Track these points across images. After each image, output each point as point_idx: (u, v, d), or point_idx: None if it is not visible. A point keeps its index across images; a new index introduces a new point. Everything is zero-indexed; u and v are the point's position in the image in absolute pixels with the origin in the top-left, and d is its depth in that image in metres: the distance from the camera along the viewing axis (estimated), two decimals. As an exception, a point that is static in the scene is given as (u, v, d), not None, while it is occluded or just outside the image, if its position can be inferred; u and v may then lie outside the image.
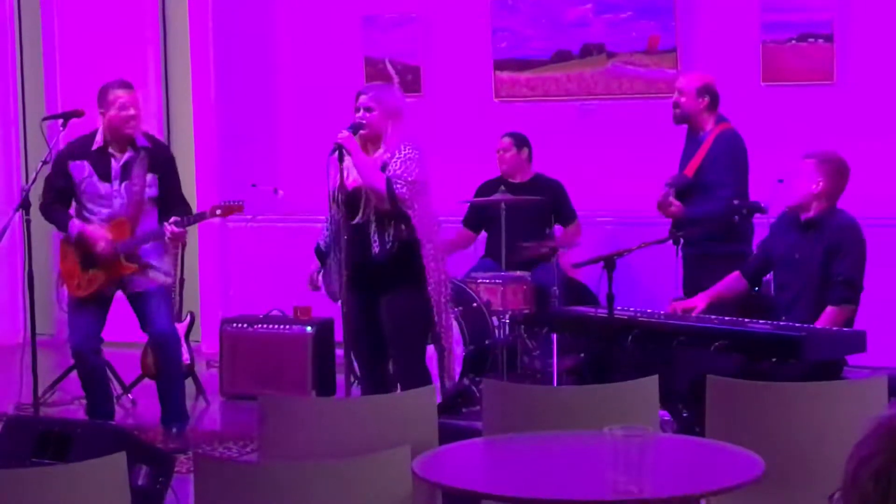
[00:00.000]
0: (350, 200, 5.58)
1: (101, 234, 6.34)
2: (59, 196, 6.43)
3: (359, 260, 5.54)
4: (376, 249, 5.55)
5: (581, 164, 8.06)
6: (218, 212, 6.59)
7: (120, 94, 6.34)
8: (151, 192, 6.39)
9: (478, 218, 7.78)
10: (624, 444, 3.12)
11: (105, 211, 6.35)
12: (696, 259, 6.36)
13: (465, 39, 8.48)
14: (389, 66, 8.62)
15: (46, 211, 6.49)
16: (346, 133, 5.56)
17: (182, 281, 7.62)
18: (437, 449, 3.74)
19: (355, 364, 5.84)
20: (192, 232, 8.51)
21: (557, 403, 4.08)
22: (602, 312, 5.55)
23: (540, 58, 8.29)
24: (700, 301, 5.67)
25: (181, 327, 7.53)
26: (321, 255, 5.86)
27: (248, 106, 9.01)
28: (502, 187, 7.44)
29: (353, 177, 5.58)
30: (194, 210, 6.88)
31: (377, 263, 5.55)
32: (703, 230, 6.23)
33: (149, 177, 6.37)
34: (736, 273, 5.71)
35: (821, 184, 5.42)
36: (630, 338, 5.43)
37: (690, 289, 6.19)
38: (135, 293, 6.48)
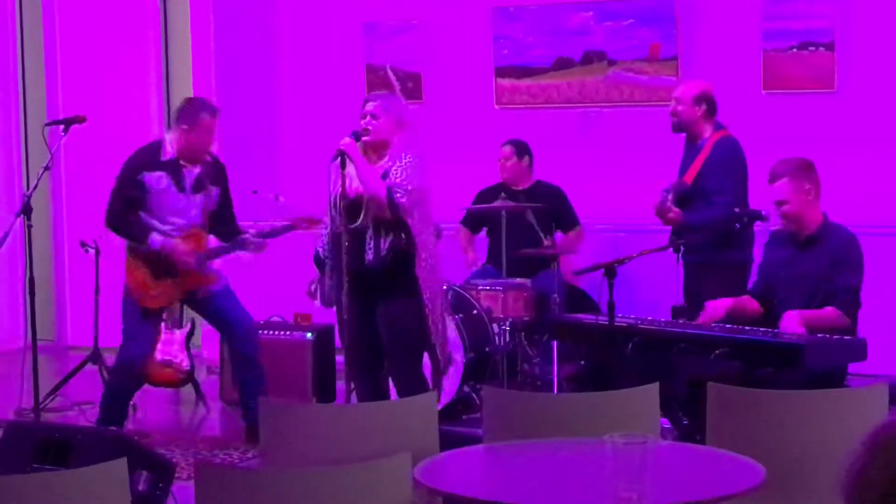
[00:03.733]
0: (351, 208, 5.59)
1: (184, 248, 6.30)
2: (130, 207, 6.33)
3: (356, 267, 5.55)
4: (370, 256, 5.56)
5: (582, 172, 8.07)
6: (304, 225, 6.51)
7: (210, 120, 6.31)
8: (213, 204, 6.43)
9: (477, 222, 7.79)
10: (624, 452, 3.12)
11: (180, 221, 6.30)
12: (697, 267, 6.36)
13: (467, 47, 8.49)
14: (391, 74, 8.64)
15: (120, 223, 6.37)
16: (348, 140, 5.58)
17: (183, 287, 7.62)
18: (438, 456, 3.75)
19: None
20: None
21: (558, 411, 4.08)
22: (603, 320, 5.55)
23: (541, 65, 8.30)
24: (717, 310, 5.58)
25: (182, 334, 7.54)
26: (320, 262, 5.86)
27: (250, 112, 9.02)
28: (503, 194, 7.44)
29: (355, 184, 5.58)
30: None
31: (372, 271, 5.56)
32: (703, 238, 6.23)
33: (213, 189, 6.40)
34: (746, 297, 5.67)
35: (810, 190, 5.45)
36: (630, 345, 5.43)
37: (691, 297, 6.19)
38: (206, 297, 6.49)
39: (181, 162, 6.32)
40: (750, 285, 5.85)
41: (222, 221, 6.48)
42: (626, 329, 5.52)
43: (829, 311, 5.30)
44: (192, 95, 9.09)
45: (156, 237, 6.28)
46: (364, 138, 5.61)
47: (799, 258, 5.47)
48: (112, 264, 8.31)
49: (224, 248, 6.46)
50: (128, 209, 6.33)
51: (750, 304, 5.59)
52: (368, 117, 5.62)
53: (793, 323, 5.24)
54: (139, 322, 6.42)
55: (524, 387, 6.90)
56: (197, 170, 6.34)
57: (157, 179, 6.29)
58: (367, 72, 8.68)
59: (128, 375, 6.51)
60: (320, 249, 5.87)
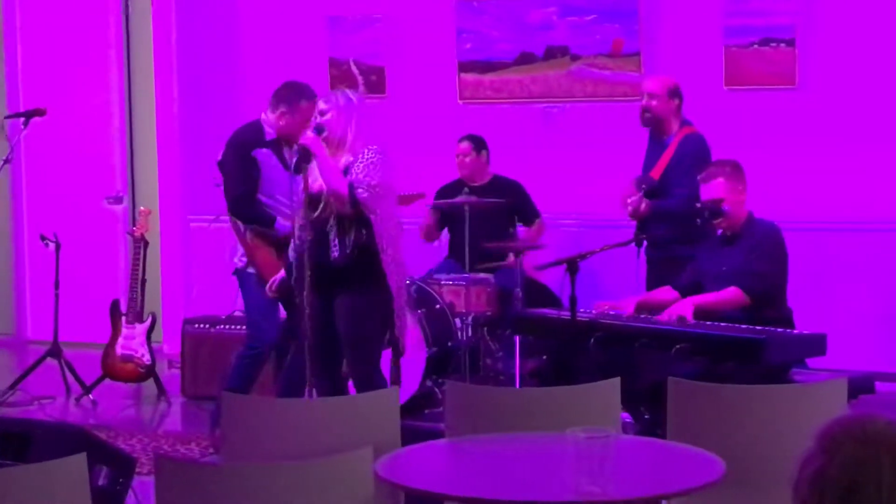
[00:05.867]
0: (312, 203, 5.56)
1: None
2: (253, 189, 6.17)
3: (319, 262, 5.53)
4: (335, 253, 5.54)
5: (544, 167, 8.08)
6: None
7: (308, 105, 6.17)
8: None
9: (440, 221, 7.78)
10: (586, 446, 3.13)
11: (287, 201, 6.00)
12: (660, 261, 6.39)
13: (430, 41, 8.48)
14: (354, 67, 8.62)
15: (249, 208, 6.20)
16: (310, 135, 5.56)
17: (144, 281, 7.59)
18: (400, 450, 3.75)
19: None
20: (154, 231, 8.49)
21: (520, 405, 4.09)
22: (565, 315, 5.57)
23: (504, 60, 8.30)
24: (628, 304, 5.73)
25: (143, 328, 7.51)
26: (291, 267, 5.81)
27: (212, 105, 8.98)
28: (466, 189, 7.44)
29: (318, 180, 5.56)
30: None
31: (336, 267, 5.55)
32: (665, 232, 6.27)
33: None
34: (668, 287, 5.79)
35: (742, 189, 5.64)
36: (592, 340, 5.45)
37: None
38: None
39: (282, 143, 6.24)
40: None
41: None
42: (588, 324, 5.54)
43: (727, 290, 5.44)
44: (150, 91, 9.07)
45: (282, 222, 6.13)
46: (324, 135, 5.58)
47: (722, 253, 5.63)
48: (72, 258, 8.28)
49: None
50: (251, 192, 6.18)
51: (668, 295, 5.69)
52: (319, 115, 5.62)
53: (681, 308, 5.42)
54: (271, 304, 6.25)
55: (487, 381, 6.90)
56: (294, 152, 6.26)
57: (267, 156, 6.21)
58: (330, 66, 8.66)
59: (260, 363, 6.34)
60: (291, 255, 5.80)
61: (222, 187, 6.36)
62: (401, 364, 5.96)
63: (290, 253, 5.79)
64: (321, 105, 5.67)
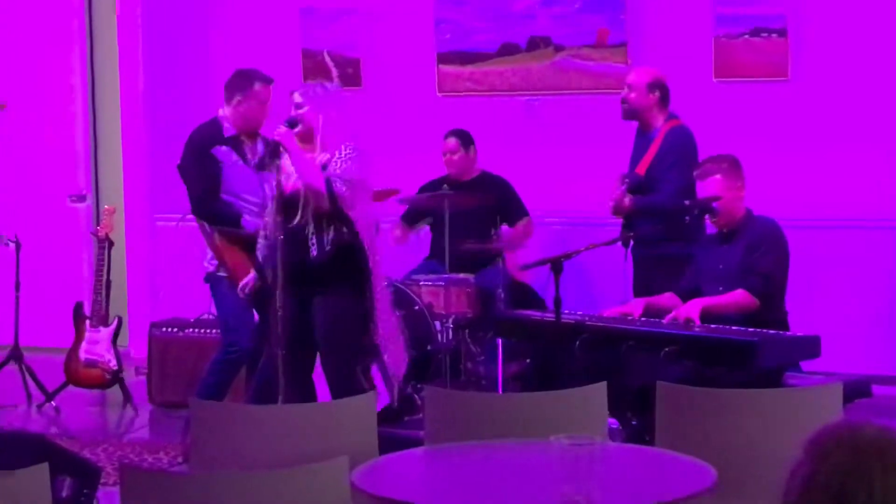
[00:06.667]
0: (288, 202, 5.54)
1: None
2: (214, 188, 6.16)
3: (295, 262, 5.50)
4: (314, 252, 5.52)
5: (527, 162, 8.08)
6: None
7: (263, 88, 6.23)
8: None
9: (419, 216, 7.76)
10: (571, 454, 3.13)
11: (255, 199, 6.11)
12: (647, 260, 6.40)
13: (408, 31, 8.47)
14: (328, 59, 8.60)
15: (212, 208, 6.21)
16: (283, 128, 5.54)
17: (108, 283, 7.57)
18: (377, 459, 3.74)
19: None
20: (119, 231, 8.46)
21: (502, 411, 4.09)
22: (549, 316, 5.57)
23: (485, 51, 8.30)
24: (636, 307, 5.73)
25: (108, 331, 7.48)
26: (260, 267, 5.79)
27: (180, 99, 8.95)
28: (445, 186, 7.43)
29: (292, 179, 5.54)
30: None
31: (314, 266, 5.53)
32: (653, 231, 6.28)
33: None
34: (671, 293, 5.79)
35: (741, 186, 5.65)
36: (578, 343, 5.45)
37: (641, 291, 6.24)
38: None
39: (242, 138, 6.24)
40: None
41: None
42: (573, 326, 5.53)
43: (735, 293, 5.44)
44: (115, 84, 9.03)
45: (248, 219, 6.13)
46: (296, 130, 5.57)
47: (719, 252, 5.64)
48: (33, 259, 8.24)
49: None
50: (213, 191, 6.18)
51: (672, 301, 5.69)
52: (294, 108, 5.60)
53: (688, 311, 5.41)
54: (245, 308, 6.24)
55: (468, 386, 6.90)
56: (259, 147, 6.23)
57: (226, 153, 6.21)
58: (303, 57, 8.64)
59: (236, 368, 6.34)
60: (259, 255, 5.79)
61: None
62: (387, 368, 5.97)
63: (258, 253, 5.78)
64: (297, 98, 5.65)
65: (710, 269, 5.68)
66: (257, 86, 6.25)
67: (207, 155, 6.20)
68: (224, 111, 6.31)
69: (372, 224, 5.72)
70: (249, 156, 6.24)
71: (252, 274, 5.93)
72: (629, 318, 5.64)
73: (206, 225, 6.25)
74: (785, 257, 5.62)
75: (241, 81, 6.30)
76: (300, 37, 8.68)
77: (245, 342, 6.26)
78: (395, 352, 5.84)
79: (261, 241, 5.81)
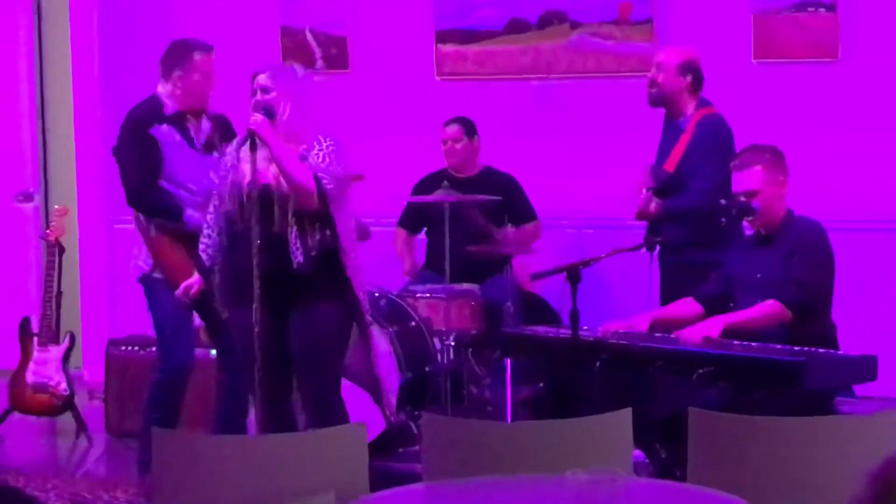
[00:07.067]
0: (262, 200, 5.51)
1: None
2: (152, 176, 6.15)
3: (273, 272, 5.48)
4: (300, 259, 5.50)
5: (538, 155, 8.09)
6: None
7: (204, 58, 6.25)
8: None
9: (417, 219, 7.77)
10: (590, 491, 3.12)
11: (196, 187, 6.08)
12: (676, 268, 6.40)
13: (402, 6, 8.48)
14: (310, 38, 8.61)
15: (150, 198, 6.20)
16: (259, 117, 5.52)
17: (59, 294, 7.57)
18: (369, 497, 3.74)
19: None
20: (72, 235, 8.46)
21: (512, 442, 4.09)
22: (565, 333, 5.57)
23: (491, 28, 8.30)
24: (642, 322, 5.73)
25: (58, 351, 7.48)
26: (204, 270, 5.77)
27: (140, 85, 8.92)
28: (445, 182, 7.41)
29: (271, 171, 5.52)
30: None
31: (298, 275, 5.51)
32: (683, 234, 6.27)
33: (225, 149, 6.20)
34: (689, 298, 5.79)
35: (783, 182, 5.65)
36: (598, 363, 5.45)
37: (668, 303, 6.23)
38: None
39: (186, 116, 6.25)
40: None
41: None
42: (592, 344, 5.54)
43: (764, 304, 5.42)
44: (67, 70, 9.04)
45: (191, 213, 6.11)
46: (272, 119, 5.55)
47: (755, 258, 5.61)
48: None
49: None
50: (152, 178, 6.17)
51: (689, 308, 5.69)
52: (259, 92, 5.59)
53: (706, 329, 5.40)
54: (184, 316, 6.25)
55: (472, 413, 6.90)
56: (206, 126, 6.25)
57: (168, 133, 6.21)
58: (282, 35, 8.65)
59: (180, 384, 6.33)
60: (203, 255, 5.75)
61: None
62: (384, 386, 5.99)
63: (202, 252, 5.74)
64: (263, 80, 5.63)
65: (744, 278, 5.66)
66: (197, 56, 6.27)
67: (146, 135, 6.19)
68: (163, 88, 6.31)
69: (352, 227, 5.71)
70: (194, 135, 6.24)
71: (196, 276, 5.87)
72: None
73: (143, 217, 6.24)
74: (828, 263, 5.61)
75: (179, 52, 6.32)
76: (279, 12, 8.68)
77: (179, 357, 6.28)
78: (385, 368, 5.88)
79: (204, 240, 5.75)
